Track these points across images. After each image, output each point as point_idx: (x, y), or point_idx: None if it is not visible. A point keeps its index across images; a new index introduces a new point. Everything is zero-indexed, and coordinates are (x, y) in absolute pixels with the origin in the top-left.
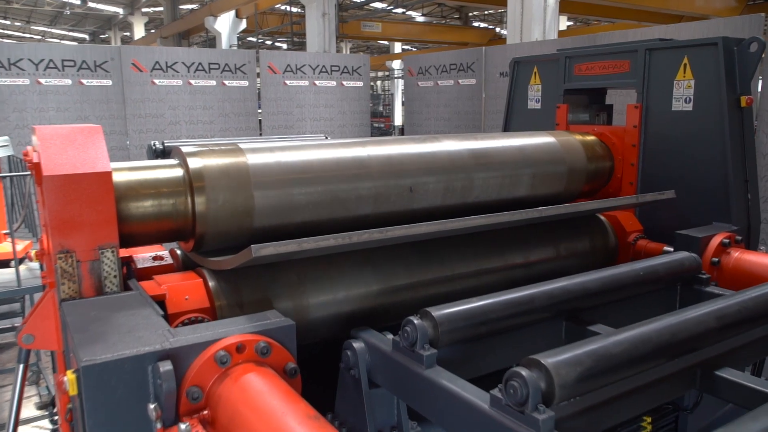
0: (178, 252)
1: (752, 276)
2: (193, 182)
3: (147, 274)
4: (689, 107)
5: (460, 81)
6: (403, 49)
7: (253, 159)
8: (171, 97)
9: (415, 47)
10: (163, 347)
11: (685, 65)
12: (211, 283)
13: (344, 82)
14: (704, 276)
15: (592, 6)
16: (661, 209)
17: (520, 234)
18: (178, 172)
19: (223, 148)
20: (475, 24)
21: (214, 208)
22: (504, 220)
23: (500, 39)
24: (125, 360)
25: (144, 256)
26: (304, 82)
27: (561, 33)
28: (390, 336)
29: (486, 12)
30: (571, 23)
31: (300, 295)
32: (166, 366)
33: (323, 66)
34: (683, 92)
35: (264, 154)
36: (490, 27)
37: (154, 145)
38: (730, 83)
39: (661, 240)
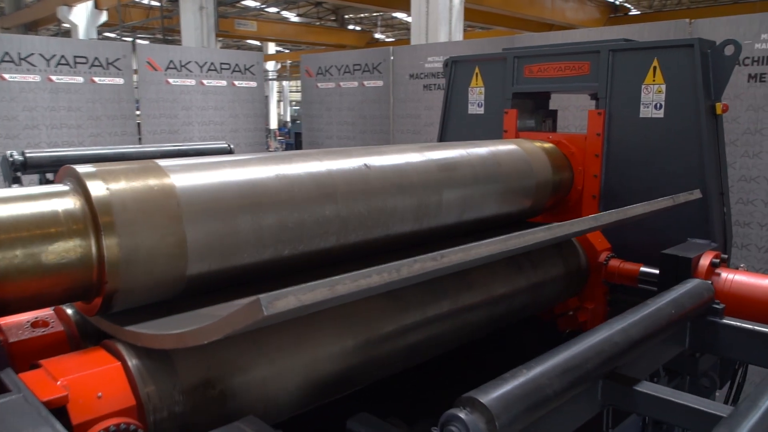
0: (69, 312)
1: (754, 302)
2: (98, 217)
3: (26, 352)
4: (660, 114)
5: (365, 83)
6: (276, 51)
7: (180, 180)
8: (26, 96)
9: (288, 48)
10: None
11: (654, 68)
12: (131, 363)
13: (236, 82)
14: (719, 306)
15: (470, 11)
16: (628, 225)
17: (495, 261)
18: (73, 203)
19: (134, 166)
20: (351, 27)
21: (130, 252)
22: (561, 234)
23: (378, 42)
24: None
25: (18, 321)
26: (191, 81)
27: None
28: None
29: (361, 15)
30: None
31: (262, 363)
32: None
33: (212, 63)
34: (653, 97)
35: (194, 173)
36: (366, 30)
37: (12, 156)
38: (705, 89)
39: (627, 259)
